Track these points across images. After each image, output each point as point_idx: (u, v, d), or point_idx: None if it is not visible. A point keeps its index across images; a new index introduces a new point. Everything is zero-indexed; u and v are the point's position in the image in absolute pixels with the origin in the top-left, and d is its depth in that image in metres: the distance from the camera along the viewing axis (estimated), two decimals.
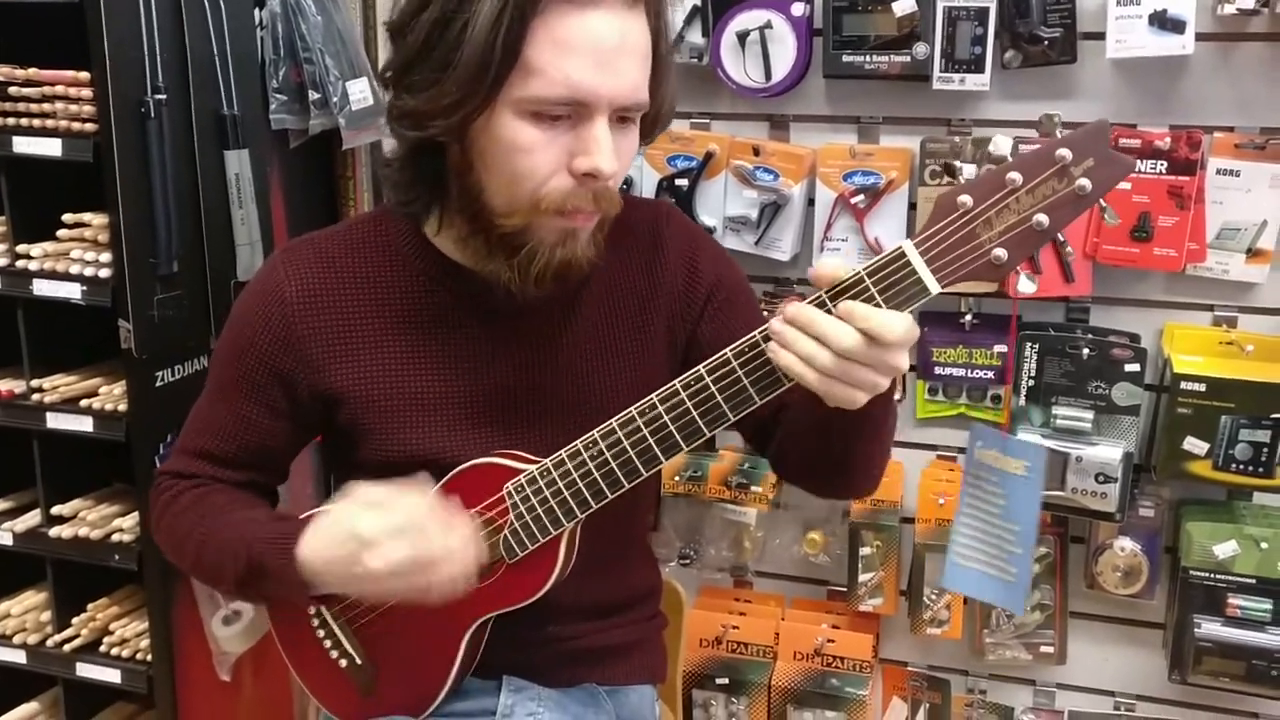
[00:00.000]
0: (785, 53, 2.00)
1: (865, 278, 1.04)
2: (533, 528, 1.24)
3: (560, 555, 1.25)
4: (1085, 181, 0.99)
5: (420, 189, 1.26)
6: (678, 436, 1.16)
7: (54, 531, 1.97)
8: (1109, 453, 1.93)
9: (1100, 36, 1.86)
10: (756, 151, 2.05)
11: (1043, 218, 1.01)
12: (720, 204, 2.09)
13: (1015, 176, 1.01)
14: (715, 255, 1.41)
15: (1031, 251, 1.03)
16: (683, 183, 2.08)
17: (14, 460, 2.01)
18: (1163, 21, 1.80)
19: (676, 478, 2.16)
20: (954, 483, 2.08)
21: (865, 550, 2.13)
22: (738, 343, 1.11)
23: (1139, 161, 1.89)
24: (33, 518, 2.01)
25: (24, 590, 2.11)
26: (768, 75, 2.01)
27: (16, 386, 1.95)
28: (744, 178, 2.06)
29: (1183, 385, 1.87)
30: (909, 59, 1.94)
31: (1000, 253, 1.02)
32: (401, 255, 1.30)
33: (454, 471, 1.27)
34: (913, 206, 2.03)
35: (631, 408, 1.17)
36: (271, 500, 1.43)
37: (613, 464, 1.20)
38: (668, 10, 1.22)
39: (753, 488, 2.12)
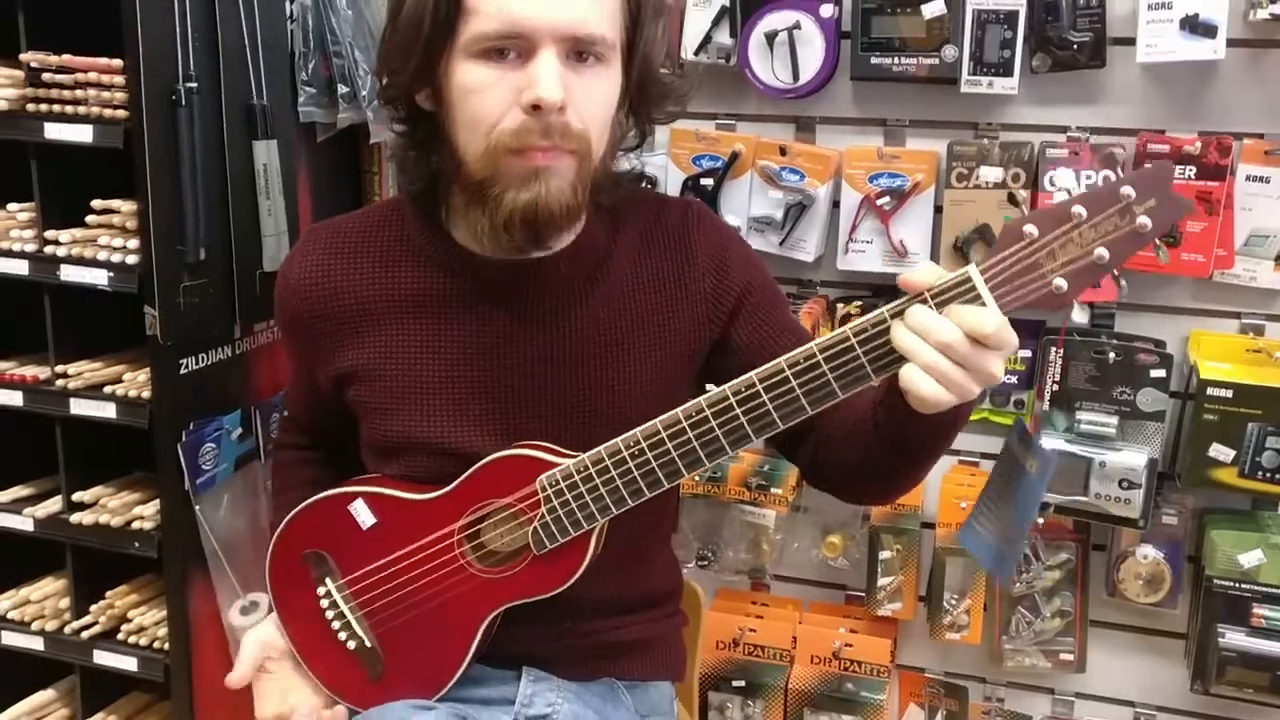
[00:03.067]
0: (813, 54, 2.00)
1: (929, 298, 1.06)
2: (565, 522, 1.24)
3: (590, 550, 1.27)
4: (1146, 220, 1.01)
5: (419, 165, 1.28)
6: (723, 441, 1.16)
7: (75, 518, 1.97)
8: (1133, 458, 1.92)
9: (1130, 42, 1.86)
10: (783, 151, 2.05)
11: (1103, 252, 1.03)
12: (745, 204, 2.09)
13: (1080, 211, 1.03)
14: (745, 257, 1.39)
15: (1090, 283, 1.05)
16: (708, 182, 2.08)
17: (38, 446, 2.01)
18: (1194, 26, 1.80)
19: (696, 478, 2.15)
20: (975, 487, 2.07)
21: (885, 554, 2.12)
22: (793, 354, 1.12)
23: None
24: (54, 504, 2.02)
25: (44, 577, 2.11)
26: (795, 76, 2.01)
27: (41, 372, 1.95)
28: (770, 178, 2.06)
29: (1209, 392, 1.86)
30: (937, 61, 1.94)
31: (1061, 283, 1.04)
32: (414, 241, 1.31)
33: (484, 460, 1.27)
34: (939, 209, 2.03)
35: (678, 410, 1.17)
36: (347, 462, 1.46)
37: (654, 464, 1.19)
38: None
39: (772, 489, 2.11)
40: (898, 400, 1.12)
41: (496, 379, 1.30)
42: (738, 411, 1.14)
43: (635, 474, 1.20)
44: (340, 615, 1.38)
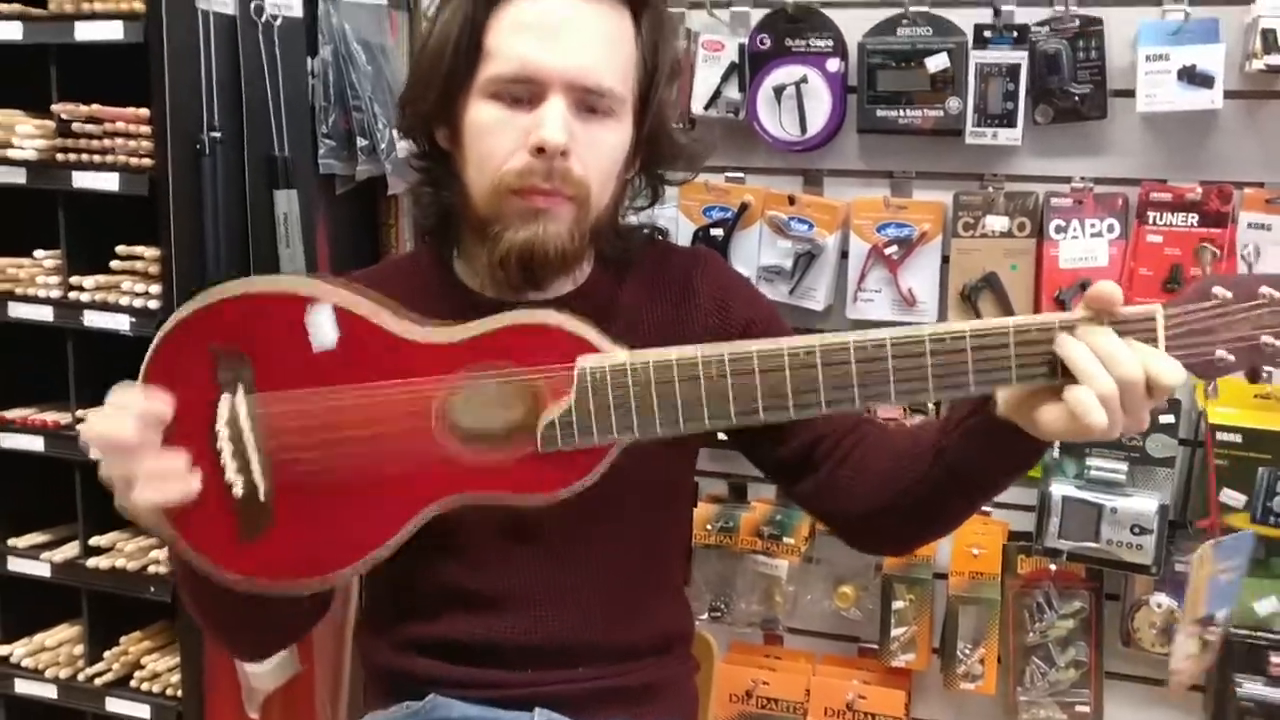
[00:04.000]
0: (820, 107, 2.05)
1: (1107, 323, 1.01)
2: (593, 424, 1.05)
3: (601, 466, 1.07)
4: None
5: (433, 201, 1.31)
6: (821, 395, 1.03)
7: (91, 562, 1.99)
8: (1144, 504, 1.92)
9: (1130, 93, 1.90)
10: (791, 201, 2.09)
11: (1275, 340, 1.01)
12: (755, 254, 2.12)
13: (1270, 293, 1.01)
14: (749, 296, 1.41)
15: (1251, 365, 1.02)
16: (718, 233, 2.12)
17: (57, 492, 2.04)
18: (1191, 76, 1.84)
19: (708, 528, 2.15)
20: (988, 535, 2.07)
21: (898, 604, 2.11)
22: (938, 326, 1.03)
23: (1169, 214, 1.91)
24: (71, 549, 2.04)
25: (59, 624, 2.12)
26: (803, 129, 2.06)
27: (62, 418, 1.99)
28: (779, 228, 2.09)
29: (1218, 436, 1.86)
30: (942, 114, 1.99)
31: (1225, 355, 1.01)
32: (427, 290, 1.31)
33: (508, 320, 1.08)
34: (946, 259, 2.06)
35: (783, 341, 1.04)
36: None
37: (730, 391, 1.04)
38: (665, 23, 1.26)
39: (784, 539, 2.12)
40: (991, 423, 1.08)
41: None
42: (852, 367, 1.02)
43: (702, 394, 1.04)
44: (236, 445, 1.05)
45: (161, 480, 1.03)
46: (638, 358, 1.04)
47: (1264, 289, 1.01)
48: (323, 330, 1.05)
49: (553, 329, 1.06)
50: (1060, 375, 1.00)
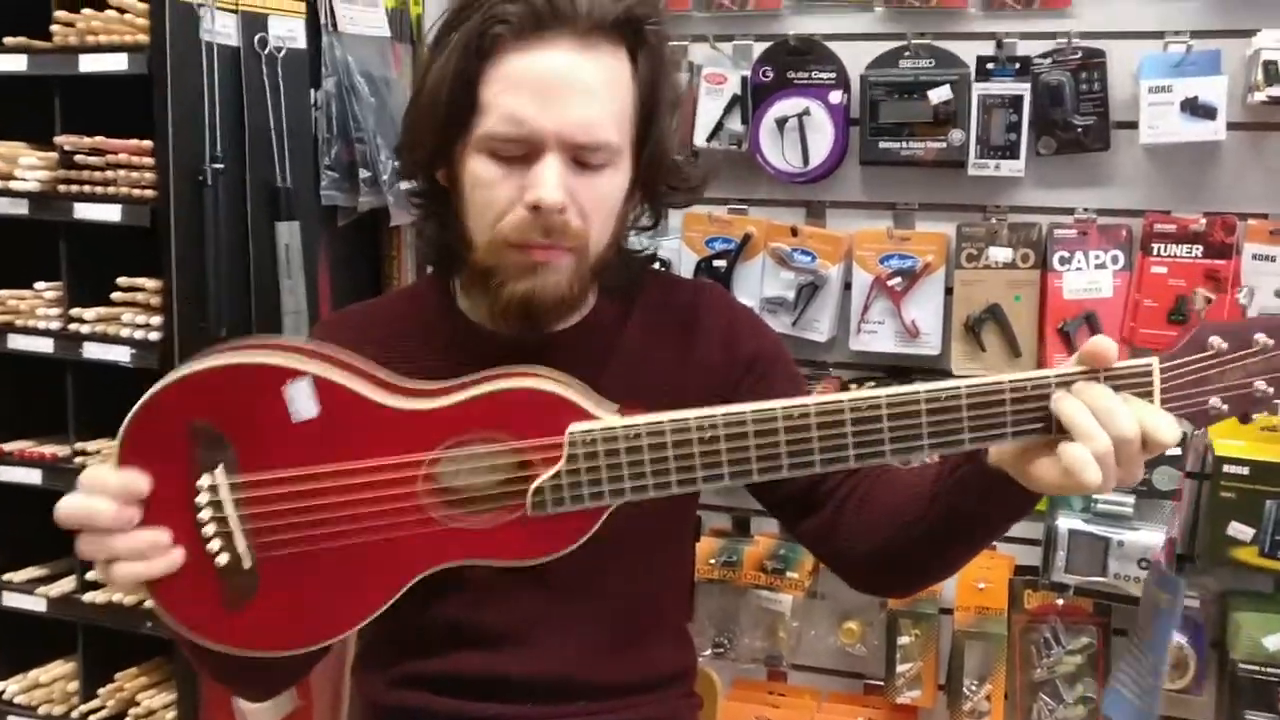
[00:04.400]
0: (823, 139, 2.05)
1: (1103, 378, 1.01)
2: (584, 489, 1.05)
3: (592, 529, 1.07)
4: None
5: (437, 235, 1.29)
6: (816, 455, 1.03)
7: (87, 597, 1.96)
8: (1151, 537, 1.90)
9: (1133, 125, 1.91)
10: (794, 233, 2.09)
11: (1267, 387, 1.01)
12: (758, 285, 2.12)
13: (1264, 340, 1.01)
14: (754, 328, 1.39)
15: (1244, 412, 1.03)
16: (721, 264, 2.12)
17: (54, 527, 2.01)
18: (1194, 108, 1.84)
19: (711, 562, 2.14)
20: (994, 569, 2.06)
21: (903, 640, 2.09)
22: (933, 385, 1.02)
23: (1173, 245, 1.91)
24: (68, 584, 2.02)
25: (54, 660, 2.10)
26: (805, 161, 2.06)
27: (61, 450, 1.97)
28: (782, 259, 2.09)
29: (1225, 469, 1.85)
30: (944, 145, 1.99)
31: (1218, 404, 1.01)
32: (430, 324, 1.31)
33: (494, 384, 1.08)
34: (949, 291, 2.05)
35: (776, 403, 1.03)
36: None
37: (723, 454, 1.04)
38: (664, 58, 1.23)
39: (788, 573, 2.10)
40: (985, 473, 1.08)
41: None
42: (848, 429, 1.02)
43: (696, 457, 1.04)
44: (219, 519, 1.05)
45: (143, 556, 1.02)
46: (629, 422, 1.04)
47: (1258, 335, 1.01)
48: (303, 403, 1.03)
49: (541, 394, 1.06)
50: (1056, 430, 1.00)
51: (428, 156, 1.23)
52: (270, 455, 1.04)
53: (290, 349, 1.07)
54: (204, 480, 1.04)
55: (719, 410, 1.04)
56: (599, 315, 1.32)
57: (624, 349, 1.32)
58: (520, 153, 1.15)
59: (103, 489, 1.01)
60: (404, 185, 1.34)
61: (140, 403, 1.03)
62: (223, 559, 1.05)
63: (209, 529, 1.05)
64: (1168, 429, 0.98)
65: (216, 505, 1.04)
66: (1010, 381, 1.00)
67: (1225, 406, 1.01)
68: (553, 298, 1.18)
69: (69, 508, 1.02)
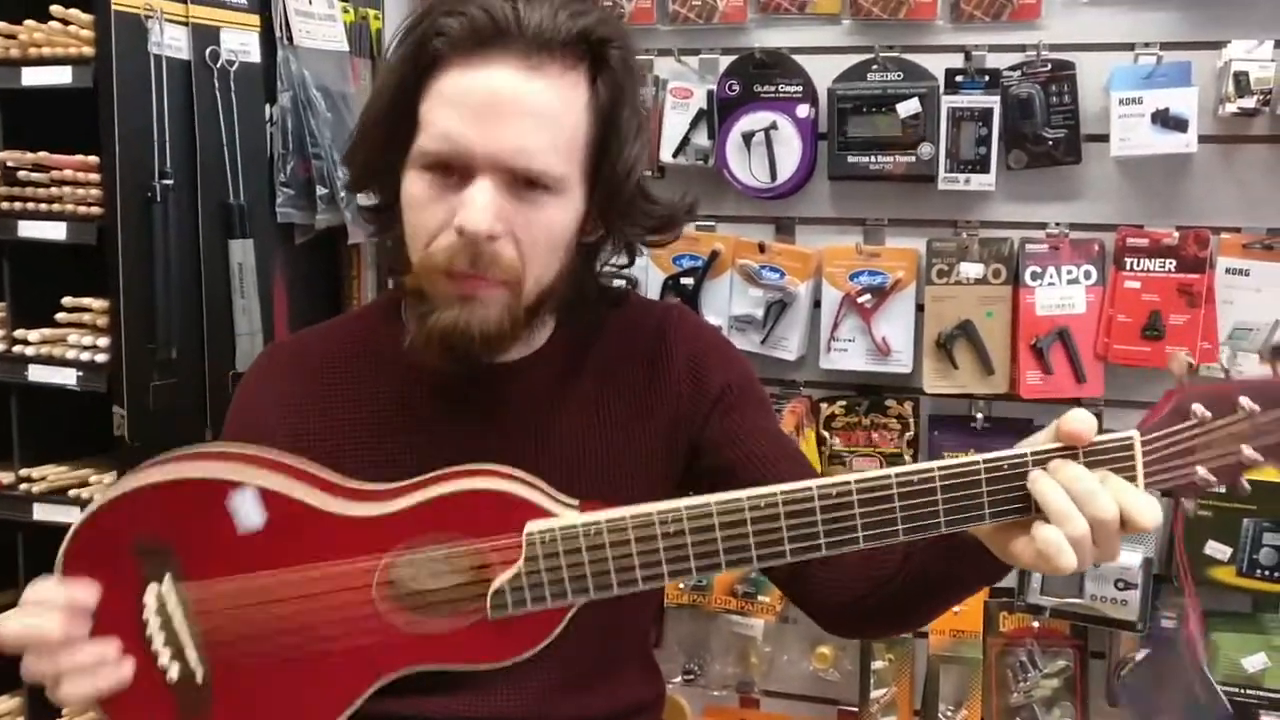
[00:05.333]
0: (790, 154, 2.02)
1: (1082, 455, 0.98)
2: (546, 589, 1.03)
3: (557, 630, 1.06)
4: None
5: (394, 254, 1.24)
6: (786, 544, 1.00)
7: None
8: (1128, 558, 1.87)
9: (1104, 138, 1.88)
10: (762, 249, 2.05)
11: (1254, 453, 0.98)
12: (726, 303, 2.08)
13: (1249, 405, 0.98)
14: (724, 356, 1.33)
15: (1233, 482, 1.00)
16: (688, 281, 2.08)
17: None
18: (1165, 120, 1.82)
19: (681, 587, 2.09)
20: None
21: (878, 664, 2.05)
22: (906, 468, 0.99)
23: (1146, 260, 1.88)
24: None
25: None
26: (773, 176, 2.02)
27: (6, 477, 1.91)
28: (750, 276, 2.05)
29: None
30: (914, 159, 1.96)
31: (1205, 475, 0.98)
32: (379, 353, 1.25)
33: (447, 486, 1.07)
34: (920, 307, 2.01)
35: (741, 493, 1.01)
36: None
37: (689, 548, 1.02)
38: (627, 83, 1.15)
39: (759, 597, 2.05)
40: (959, 540, 1.05)
41: None
42: (818, 517, 0.99)
43: (660, 552, 1.01)
44: (168, 632, 1.04)
45: (92, 672, 1.00)
46: (590, 519, 1.01)
47: (1242, 400, 0.98)
48: (248, 514, 1.02)
49: (495, 495, 1.05)
50: (1034, 510, 0.97)
51: (367, 171, 1.19)
52: (218, 565, 1.03)
53: (230, 457, 1.06)
54: (150, 591, 1.03)
55: (682, 503, 1.01)
56: (554, 346, 1.26)
57: (585, 377, 1.26)
58: (453, 174, 1.10)
59: (50, 603, 1.00)
60: (358, 200, 1.30)
61: (80, 520, 1.02)
62: (174, 672, 1.04)
63: (158, 641, 1.04)
64: (1148, 511, 0.96)
65: (165, 617, 1.03)
66: (985, 462, 0.97)
67: (1214, 477, 0.98)
68: (479, 333, 1.11)
69: (14, 628, 0.99)
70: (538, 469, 1.17)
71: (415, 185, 1.12)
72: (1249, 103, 1.79)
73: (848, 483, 0.98)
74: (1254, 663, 1.84)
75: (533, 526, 1.03)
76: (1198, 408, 0.98)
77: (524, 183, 1.10)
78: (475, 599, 1.04)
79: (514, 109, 1.08)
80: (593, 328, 1.29)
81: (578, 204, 1.16)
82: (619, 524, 1.01)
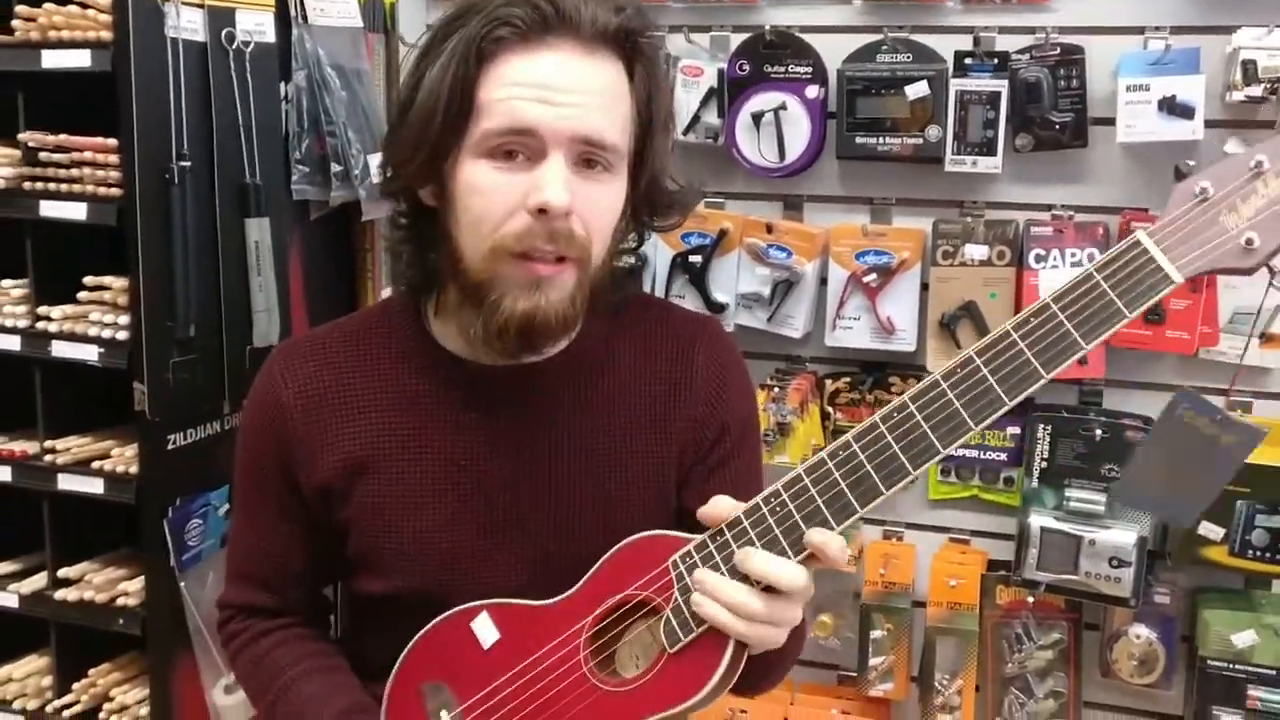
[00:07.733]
0: (799, 134, 2.04)
1: (1051, 304, 1.02)
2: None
3: (726, 649, 1.07)
4: None
5: (415, 259, 1.25)
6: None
7: (59, 594, 1.96)
8: (1123, 536, 1.91)
9: (1111, 122, 1.89)
10: (770, 229, 2.08)
11: None
12: (733, 281, 2.11)
13: (1262, 159, 0.96)
14: (742, 394, 1.33)
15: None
16: (696, 259, 2.11)
17: (24, 522, 2.01)
18: (1172, 107, 1.83)
19: None
20: (967, 565, 2.06)
21: (876, 633, 2.10)
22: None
23: None
24: (39, 580, 2.01)
25: (27, 654, 2.09)
26: (782, 156, 2.04)
27: (31, 448, 1.96)
28: (757, 255, 2.08)
29: None
30: (921, 141, 1.98)
31: (1253, 236, 0.95)
32: (401, 348, 1.27)
33: (610, 551, 1.15)
34: (925, 287, 2.04)
35: (798, 473, 1.06)
36: (323, 629, 1.39)
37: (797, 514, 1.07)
38: (659, 74, 1.20)
39: None
40: None
41: (482, 486, 1.24)
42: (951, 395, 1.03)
43: (788, 522, 1.06)
44: None
45: None
46: (714, 532, 1.08)
47: (1255, 158, 0.96)
48: (485, 631, 1.19)
49: (643, 540, 1.13)
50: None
51: (419, 169, 1.17)
52: (477, 681, 1.19)
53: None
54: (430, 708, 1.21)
55: (768, 490, 1.07)
56: (586, 341, 1.28)
57: (610, 382, 1.28)
58: (522, 152, 1.11)
59: None
60: (375, 172, 1.29)
61: (385, 698, 1.24)
62: None
63: None
64: (788, 574, 1.01)
65: None
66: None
67: (1259, 237, 0.95)
68: (555, 315, 1.14)
69: None
70: (562, 469, 1.24)
71: (478, 173, 1.12)
72: (1256, 90, 1.80)
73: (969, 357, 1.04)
74: (1243, 639, 1.89)
75: (675, 555, 1.10)
76: (1202, 184, 0.97)
77: (587, 161, 1.13)
78: (658, 643, 1.10)
79: (582, 86, 1.12)
80: (620, 325, 1.30)
81: (624, 187, 1.19)
82: (752, 508, 1.07)
